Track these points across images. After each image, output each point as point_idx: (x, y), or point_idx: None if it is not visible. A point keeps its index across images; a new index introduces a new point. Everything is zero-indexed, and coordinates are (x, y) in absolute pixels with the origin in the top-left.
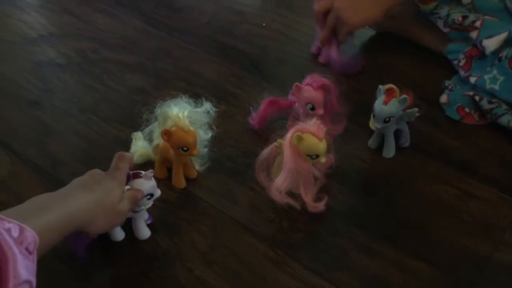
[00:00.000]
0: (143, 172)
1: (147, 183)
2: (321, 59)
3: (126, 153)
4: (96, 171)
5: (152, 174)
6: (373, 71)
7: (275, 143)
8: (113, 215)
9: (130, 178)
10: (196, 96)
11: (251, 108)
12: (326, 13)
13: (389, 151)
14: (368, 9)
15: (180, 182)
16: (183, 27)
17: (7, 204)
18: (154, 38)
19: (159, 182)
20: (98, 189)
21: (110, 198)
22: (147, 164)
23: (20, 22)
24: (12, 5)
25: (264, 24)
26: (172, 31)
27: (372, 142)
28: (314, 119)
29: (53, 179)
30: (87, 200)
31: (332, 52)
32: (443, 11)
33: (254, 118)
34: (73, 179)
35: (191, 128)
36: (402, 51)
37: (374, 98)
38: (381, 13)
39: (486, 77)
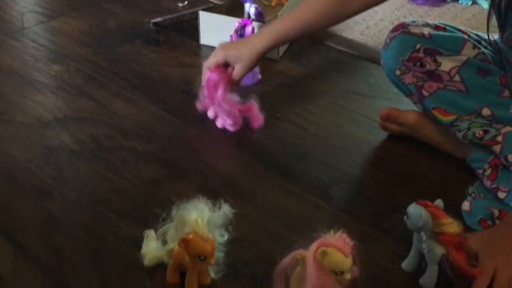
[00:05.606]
0: None
1: None
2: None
3: None
4: None
5: None
6: (397, 176)
7: (298, 256)
8: None
9: None
10: (212, 192)
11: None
12: None
13: (429, 280)
14: None
15: None
16: (199, 114)
17: None
18: (170, 125)
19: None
20: None
21: None
22: (158, 267)
23: (36, 103)
24: (28, 85)
25: (278, 115)
26: (188, 119)
27: (407, 265)
28: (339, 232)
29: (55, 279)
30: None
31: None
32: (463, 124)
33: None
34: (78, 279)
35: (210, 236)
36: (421, 151)
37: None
38: None
39: None
